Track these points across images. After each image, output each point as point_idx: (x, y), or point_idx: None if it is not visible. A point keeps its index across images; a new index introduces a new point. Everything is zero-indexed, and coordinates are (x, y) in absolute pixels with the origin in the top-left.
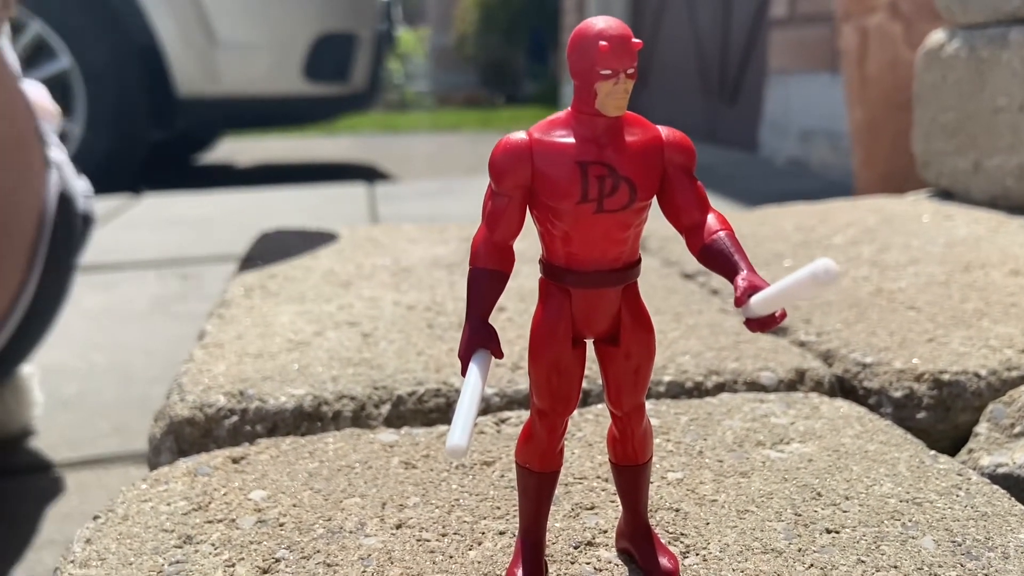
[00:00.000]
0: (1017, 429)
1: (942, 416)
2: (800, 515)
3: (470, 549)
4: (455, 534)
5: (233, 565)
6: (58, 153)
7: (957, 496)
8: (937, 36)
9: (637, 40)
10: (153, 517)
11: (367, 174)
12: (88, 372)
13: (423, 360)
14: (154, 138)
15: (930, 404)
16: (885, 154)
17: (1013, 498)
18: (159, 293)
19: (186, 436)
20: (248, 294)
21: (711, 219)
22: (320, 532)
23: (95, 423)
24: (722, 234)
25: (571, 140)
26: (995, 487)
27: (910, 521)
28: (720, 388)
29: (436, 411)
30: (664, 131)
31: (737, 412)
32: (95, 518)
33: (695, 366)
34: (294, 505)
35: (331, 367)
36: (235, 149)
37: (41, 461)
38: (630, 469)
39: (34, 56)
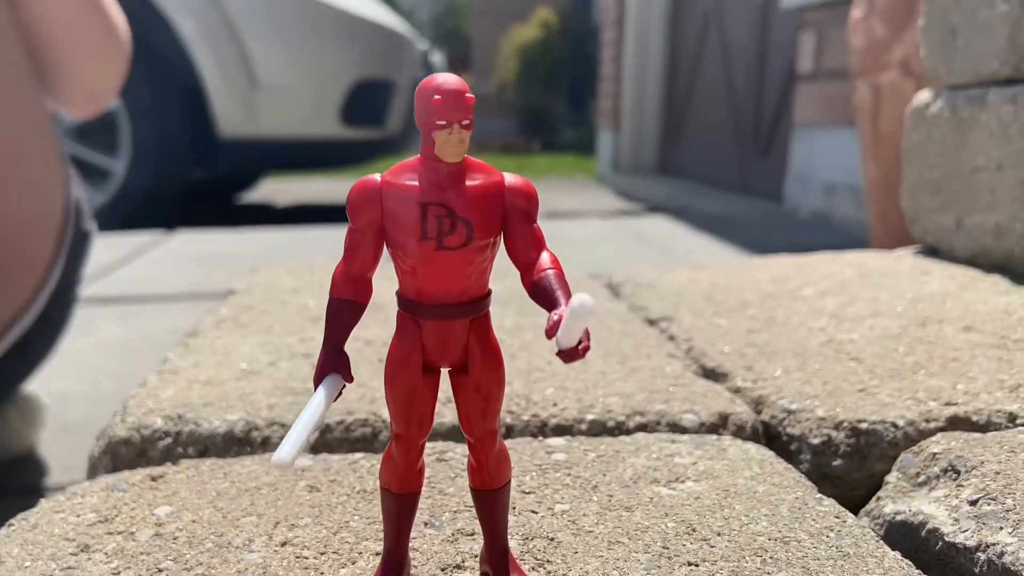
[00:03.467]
0: (921, 478)
1: (858, 464)
2: (667, 548)
3: (343, 567)
4: (334, 553)
5: (119, 573)
6: (70, 166)
7: (827, 537)
8: (923, 96)
9: (470, 95)
10: (60, 526)
11: None
12: (95, 399)
13: (360, 392)
14: (194, 177)
15: (846, 452)
16: (898, 209)
17: (881, 540)
18: (176, 325)
19: (122, 455)
20: (218, 325)
21: (544, 258)
22: (208, 547)
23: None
24: (550, 272)
25: (416, 183)
26: (867, 530)
27: (771, 558)
28: (642, 428)
29: (361, 440)
30: (508, 177)
31: (644, 451)
32: (9, 525)
33: (622, 407)
34: (193, 521)
35: (272, 395)
36: (275, 190)
37: (35, 484)
38: (486, 494)
39: None
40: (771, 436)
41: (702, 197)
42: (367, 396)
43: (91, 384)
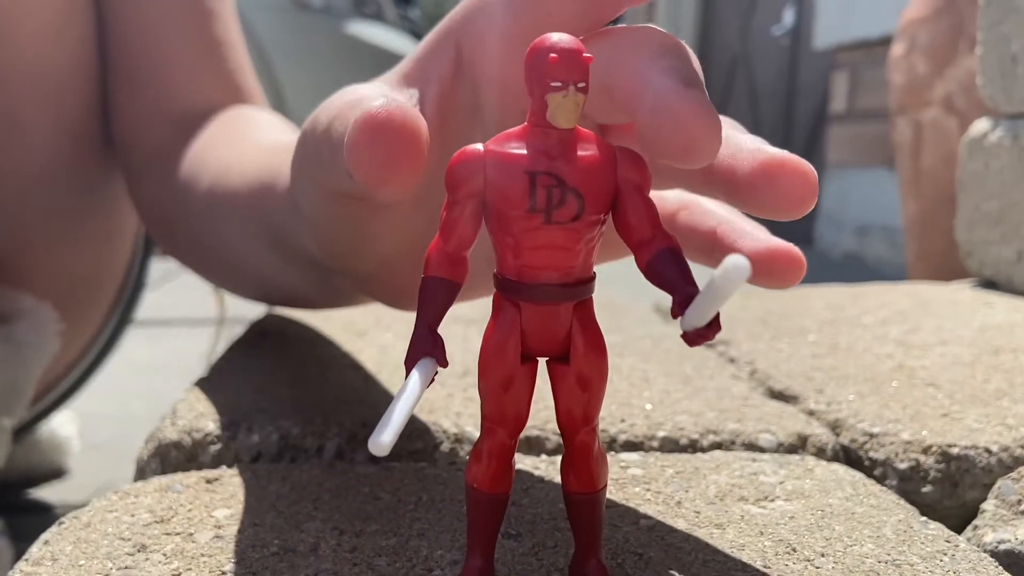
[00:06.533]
0: None
1: (949, 491)
2: (769, 568)
3: None
4: (407, 560)
5: (180, 574)
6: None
7: (940, 561)
8: (981, 125)
9: (588, 55)
10: (114, 526)
11: None
12: (125, 419)
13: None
14: None
15: (937, 478)
16: (938, 248)
17: (1000, 566)
18: (206, 349)
19: (172, 459)
20: (264, 336)
21: (660, 236)
22: (273, 550)
23: (123, 467)
24: (668, 250)
25: (523, 151)
26: (983, 555)
27: None
28: (716, 447)
29: (421, 450)
30: (620, 149)
31: (726, 468)
32: (59, 523)
33: (693, 424)
34: (254, 524)
35: (325, 403)
36: None
37: (66, 501)
38: (584, 497)
39: None
40: (851, 460)
41: None
42: (424, 407)
43: (120, 404)
